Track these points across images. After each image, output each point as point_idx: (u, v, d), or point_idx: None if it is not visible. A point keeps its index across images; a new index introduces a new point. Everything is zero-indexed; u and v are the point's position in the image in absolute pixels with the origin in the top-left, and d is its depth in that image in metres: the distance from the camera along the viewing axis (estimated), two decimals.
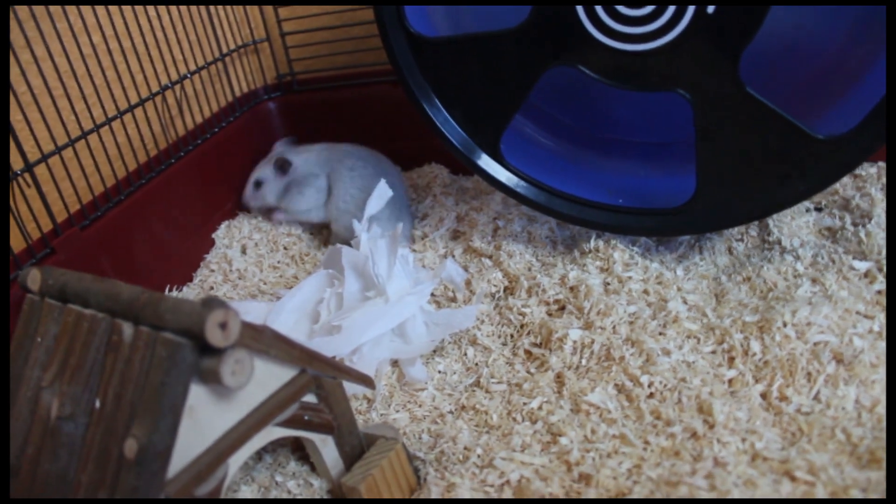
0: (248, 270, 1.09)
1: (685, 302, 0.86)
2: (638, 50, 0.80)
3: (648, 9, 0.77)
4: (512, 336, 0.88)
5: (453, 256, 1.02)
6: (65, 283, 0.67)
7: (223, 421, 0.57)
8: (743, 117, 0.79)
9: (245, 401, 0.59)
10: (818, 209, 1.02)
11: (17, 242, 0.85)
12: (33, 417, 0.65)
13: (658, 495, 0.63)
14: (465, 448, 0.72)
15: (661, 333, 0.81)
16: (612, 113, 1.05)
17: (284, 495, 0.69)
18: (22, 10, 0.89)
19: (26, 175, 0.86)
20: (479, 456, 0.71)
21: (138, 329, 0.57)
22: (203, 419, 0.56)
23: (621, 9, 0.78)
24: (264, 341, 0.57)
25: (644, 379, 0.76)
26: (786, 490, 0.62)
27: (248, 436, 0.59)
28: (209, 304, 0.51)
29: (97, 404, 0.59)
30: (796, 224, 0.98)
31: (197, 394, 0.55)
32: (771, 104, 0.77)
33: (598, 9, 0.79)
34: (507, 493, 0.66)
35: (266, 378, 0.60)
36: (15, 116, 0.88)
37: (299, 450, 0.74)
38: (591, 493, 0.65)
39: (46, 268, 0.71)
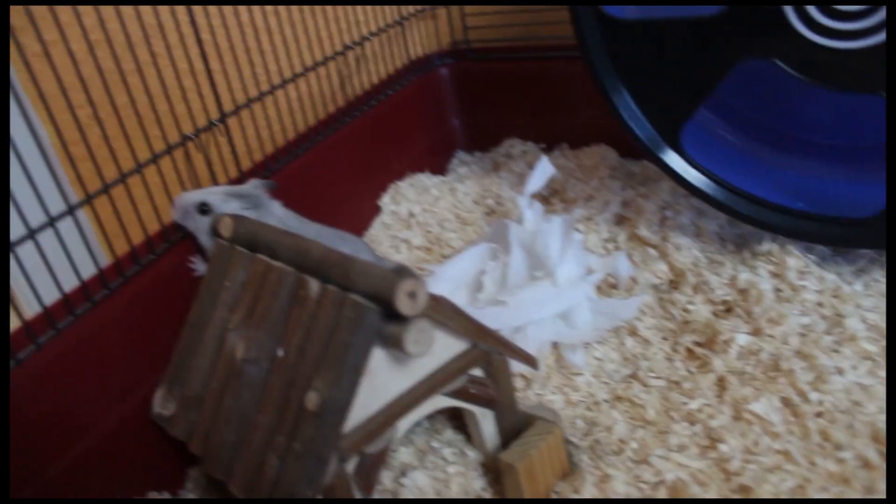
0: (413, 236, 1.11)
1: (864, 320, 0.81)
2: (843, 48, 0.76)
3: (862, 7, 0.73)
4: (673, 332, 0.86)
5: (616, 242, 1.01)
6: (255, 233, 0.70)
7: (397, 385, 0.60)
8: None
9: (419, 368, 0.60)
10: None
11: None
12: (219, 355, 0.70)
13: None
14: (620, 440, 0.72)
15: (835, 350, 0.77)
16: (800, 110, 0.99)
17: (439, 462, 0.71)
18: None
19: (220, 126, 0.91)
20: (633, 450, 0.71)
21: (326, 287, 0.60)
22: (380, 381, 0.58)
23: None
24: (444, 312, 0.59)
25: (814, 396, 0.72)
26: None
27: (418, 401, 0.61)
28: (401, 273, 0.53)
29: (280, 353, 0.62)
30: None
31: (377, 356, 0.57)
32: None
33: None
34: (662, 493, 0.65)
35: (440, 348, 0.61)
36: (214, 66, 0.92)
37: (455, 418, 0.75)
38: None
39: (238, 216, 0.75)
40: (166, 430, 0.74)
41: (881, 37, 0.73)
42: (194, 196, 0.82)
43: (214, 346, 0.70)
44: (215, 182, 0.91)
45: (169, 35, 0.83)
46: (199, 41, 0.88)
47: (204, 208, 0.82)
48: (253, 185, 0.88)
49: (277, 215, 0.86)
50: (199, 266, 0.85)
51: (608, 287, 0.94)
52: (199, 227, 0.83)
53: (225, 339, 0.69)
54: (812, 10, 0.75)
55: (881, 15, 0.72)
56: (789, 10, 0.76)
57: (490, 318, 0.80)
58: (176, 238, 0.84)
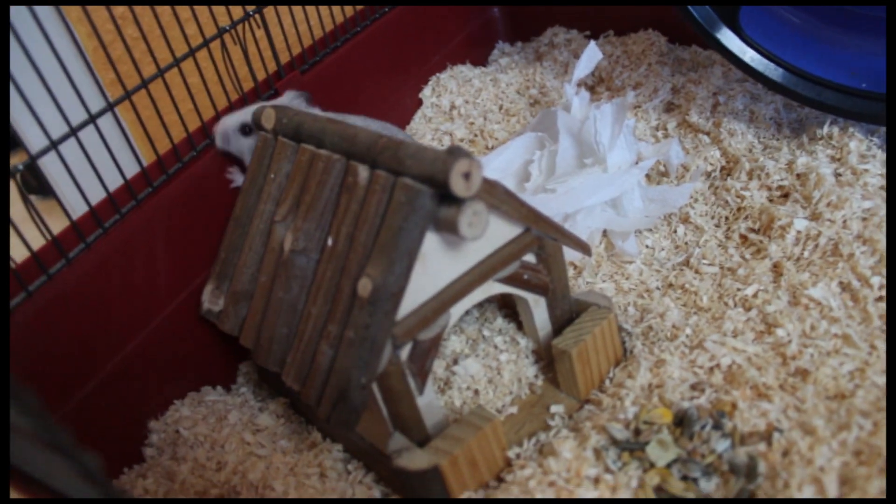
0: (455, 128, 1.09)
1: None
2: None
3: None
4: (727, 218, 0.84)
5: (666, 130, 0.97)
6: (300, 122, 0.69)
7: (451, 270, 0.59)
8: None
9: (473, 253, 0.59)
10: None
11: (246, 83, 0.89)
12: (266, 248, 0.69)
13: (883, 404, 0.59)
14: (674, 326, 0.71)
15: None
16: None
17: (491, 350, 0.70)
18: None
19: (257, 17, 0.88)
20: (687, 336, 0.70)
21: (375, 172, 0.58)
22: (433, 266, 0.57)
23: None
24: (498, 196, 0.57)
25: (875, 280, 0.70)
26: None
27: (471, 287, 0.60)
28: (455, 153, 0.51)
29: (329, 242, 0.62)
30: None
31: (430, 241, 0.56)
32: None
33: None
34: (718, 377, 0.65)
35: (493, 233, 0.60)
36: None
37: (506, 307, 0.75)
38: (809, 391, 0.62)
39: (280, 107, 0.73)
40: (216, 325, 0.74)
41: None
42: (235, 118, 0.81)
43: (261, 240, 0.70)
44: (254, 76, 0.89)
45: None
46: None
47: (246, 129, 0.81)
48: (289, 98, 0.86)
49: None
50: (237, 177, 0.83)
51: (658, 175, 0.92)
52: (243, 148, 0.82)
53: (272, 232, 0.68)
54: None
55: None
56: None
57: (539, 205, 0.78)
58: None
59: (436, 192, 0.53)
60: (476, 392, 0.68)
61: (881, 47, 0.92)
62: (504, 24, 1.32)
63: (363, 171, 0.60)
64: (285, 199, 0.68)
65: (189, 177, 0.79)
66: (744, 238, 0.81)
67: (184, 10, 0.77)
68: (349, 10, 1.08)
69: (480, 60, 1.28)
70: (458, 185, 0.51)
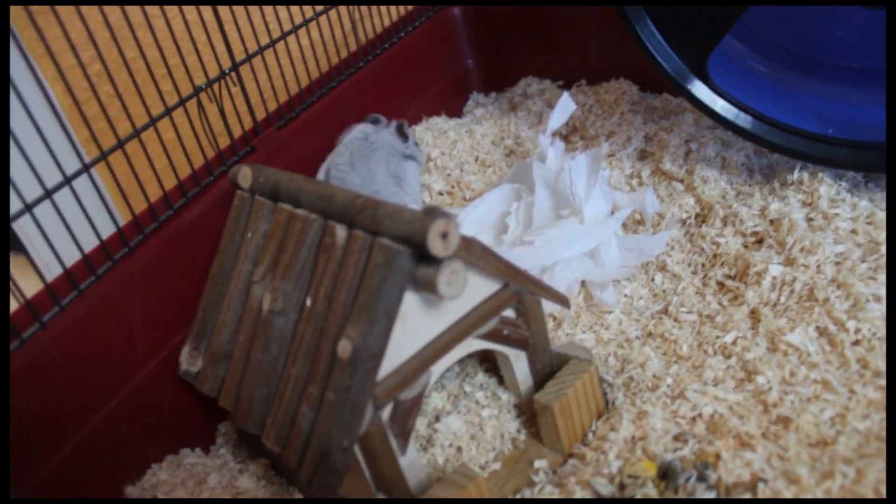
0: (433, 180, 1.09)
1: None
2: None
3: None
4: (703, 265, 0.85)
5: (640, 178, 0.98)
6: (277, 181, 0.69)
7: (430, 329, 0.59)
8: None
9: (452, 311, 0.59)
10: None
11: (222, 140, 0.89)
12: (244, 308, 0.69)
13: (867, 449, 0.59)
14: (655, 376, 0.71)
15: (871, 278, 0.76)
16: (829, 34, 0.96)
17: (473, 405, 0.70)
18: None
19: (233, 74, 0.88)
20: (669, 386, 0.70)
21: (353, 232, 0.58)
22: (412, 326, 0.57)
23: None
24: (475, 253, 0.57)
25: (850, 324, 0.71)
26: None
27: (451, 345, 0.60)
28: (432, 213, 0.51)
29: (308, 302, 0.61)
30: None
31: (409, 301, 0.56)
32: None
33: None
34: (700, 427, 0.65)
35: (472, 290, 0.60)
36: (225, 16, 0.90)
37: (487, 361, 0.75)
38: (791, 438, 0.62)
39: (257, 166, 0.73)
40: (195, 386, 0.73)
41: None
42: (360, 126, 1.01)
43: (239, 300, 0.70)
44: (230, 133, 0.89)
45: None
46: None
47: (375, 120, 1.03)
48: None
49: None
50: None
51: (634, 223, 0.92)
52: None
53: (250, 292, 0.68)
54: None
55: None
56: None
57: (517, 258, 0.79)
58: (193, 193, 0.83)
59: (414, 251, 0.53)
60: (459, 449, 0.67)
61: (846, 95, 0.94)
62: (478, 75, 1.34)
63: (341, 231, 0.60)
64: (263, 258, 0.68)
65: (165, 235, 0.79)
66: (721, 285, 0.82)
67: (159, 67, 0.78)
68: (325, 65, 1.09)
69: (455, 111, 1.30)
70: (435, 246, 0.51)
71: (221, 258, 0.73)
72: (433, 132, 1.18)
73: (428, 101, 1.25)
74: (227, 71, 0.88)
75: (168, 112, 0.80)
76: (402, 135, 1.03)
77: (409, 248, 0.53)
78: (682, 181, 0.95)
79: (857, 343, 0.70)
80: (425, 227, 0.51)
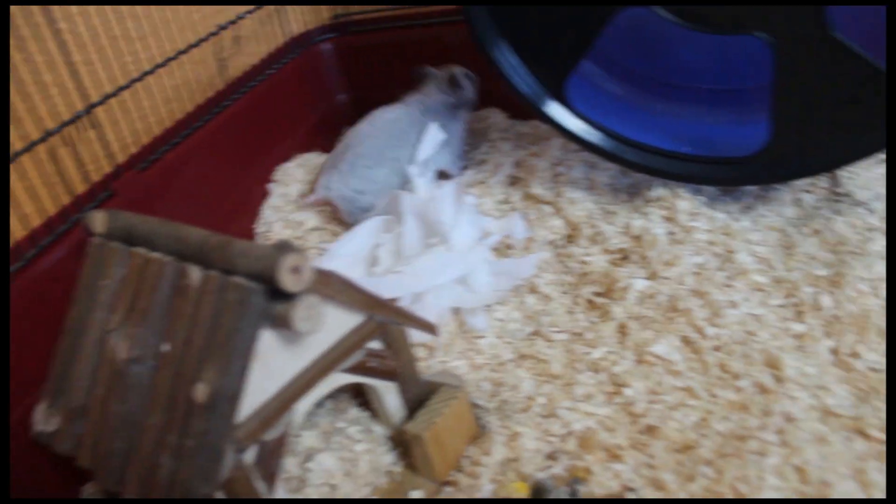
0: (306, 217, 1.08)
1: (753, 254, 0.83)
2: None
3: None
4: (573, 285, 0.87)
5: (511, 203, 1.00)
6: (131, 225, 0.67)
7: (291, 366, 0.57)
8: (825, 62, 0.75)
9: (312, 347, 0.58)
10: None
11: (79, 185, 0.86)
12: (101, 359, 0.66)
13: (727, 450, 0.62)
14: (528, 397, 0.72)
15: (727, 286, 0.79)
16: (682, 58, 1.01)
17: (345, 441, 0.69)
18: None
19: (87, 117, 0.86)
20: (541, 405, 0.71)
21: (207, 273, 0.57)
22: (272, 364, 0.56)
23: None
24: (333, 287, 0.57)
25: (710, 331, 0.74)
26: (859, 448, 0.61)
27: (314, 381, 0.59)
28: (281, 249, 0.50)
29: (165, 348, 0.59)
30: (869, 176, 0.93)
31: (267, 339, 0.54)
32: (857, 48, 0.73)
33: None
34: (571, 443, 0.66)
35: (333, 324, 0.59)
36: (74, 58, 0.87)
37: (359, 396, 0.74)
38: (658, 446, 0.64)
39: (111, 210, 0.71)
40: (51, 447, 0.69)
41: None
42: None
43: (95, 351, 0.66)
44: (88, 180, 0.86)
45: (20, 28, 0.77)
46: (57, 31, 0.83)
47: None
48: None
49: None
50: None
51: (505, 248, 0.94)
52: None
53: (106, 342, 0.65)
54: None
55: None
56: None
57: (387, 287, 0.79)
58: (46, 242, 0.79)
59: (267, 288, 0.52)
60: (333, 487, 0.66)
61: (700, 114, 0.99)
62: (351, 110, 1.34)
63: (195, 273, 0.58)
64: (119, 306, 0.65)
65: (15, 290, 0.75)
66: (590, 302, 0.84)
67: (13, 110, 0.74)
68: (189, 105, 1.07)
69: (329, 147, 1.29)
70: (287, 281, 0.50)
71: (76, 308, 0.70)
72: (306, 168, 1.17)
73: (300, 138, 1.24)
74: (81, 113, 0.85)
75: (16, 156, 0.77)
76: (455, 85, 1.06)
77: (262, 284, 0.52)
78: (550, 204, 0.97)
79: (716, 349, 0.73)
80: (275, 263, 0.50)
